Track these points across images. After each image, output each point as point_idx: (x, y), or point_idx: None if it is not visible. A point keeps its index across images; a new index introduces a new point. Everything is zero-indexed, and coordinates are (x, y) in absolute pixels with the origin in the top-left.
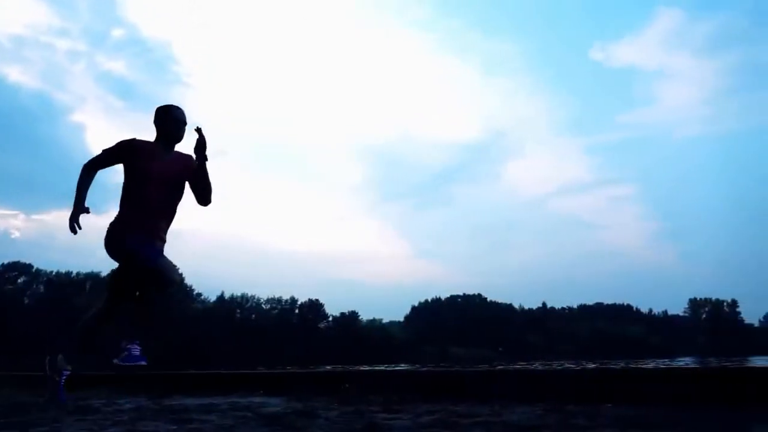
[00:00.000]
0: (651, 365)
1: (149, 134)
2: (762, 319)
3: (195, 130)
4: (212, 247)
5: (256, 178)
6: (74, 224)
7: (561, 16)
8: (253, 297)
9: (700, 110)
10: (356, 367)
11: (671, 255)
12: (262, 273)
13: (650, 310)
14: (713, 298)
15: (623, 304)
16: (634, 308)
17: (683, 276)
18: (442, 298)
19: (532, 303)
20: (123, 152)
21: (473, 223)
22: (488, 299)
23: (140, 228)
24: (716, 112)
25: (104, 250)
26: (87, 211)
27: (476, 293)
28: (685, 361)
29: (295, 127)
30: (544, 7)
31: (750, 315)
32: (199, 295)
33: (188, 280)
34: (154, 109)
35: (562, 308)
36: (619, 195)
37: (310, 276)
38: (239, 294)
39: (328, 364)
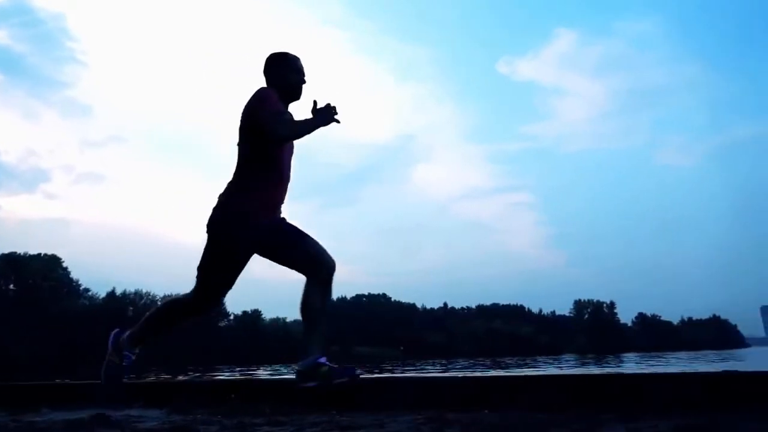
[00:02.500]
0: (527, 373)
1: (39, 118)
2: (634, 319)
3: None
4: (103, 237)
5: (156, 166)
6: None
7: (473, 28)
8: (148, 293)
9: (588, 127)
10: (249, 373)
11: (560, 259)
12: (159, 267)
13: (540, 311)
14: (595, 300)
15: (517, 304)
16: (526, 309)
17: (570, 278)
18: (348, 297)
19: (433, 303)
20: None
21: (380, 224)
22: (392, 299)
23: (274, 208)
24: (600, 130)
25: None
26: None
27: (381, 293)
28: (567, 359)
29: (200, 117)
30: (457, 18)
31: (624, 315)
32: (87, 290)
33: (74, 274)
34: (267, 57)
35: (462, 308)
36: (516, 201)
37: None
38: (132, 290)
39: (228, 365)
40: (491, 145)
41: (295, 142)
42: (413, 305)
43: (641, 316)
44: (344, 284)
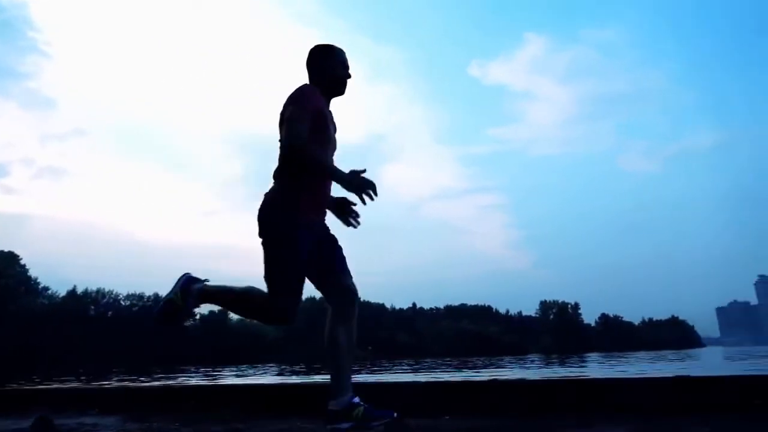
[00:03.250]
0: (487, 378)
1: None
2: (597, 320)
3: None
4: (64, 234)
5: (119, 161)
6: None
7: (446, 31)
8: (110, 292)
9: (556, 131)
10: (213, 375)
11: (528, 260)
12: (122, 266)
13: (507, 311)
14: (560, 301)
15: (485, 305)
16: (494, 309)
17: (536, 279)
18: (317, 297)
19: (403, 303)
20: (316, 100)
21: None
22: (361, 299)
23: (318, 209)
24: (567, 134)
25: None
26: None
27: None
28: (532, 359)
29: (167, 111)
30: (430, 20)
31: (588, 316)
32: (46, 288)
33: (33, 272)
34: (311, 49)
35: (431, 308)
36: (486, 203)
37: (177, 271)
38: (94, 288)
39: (194, 365)
40: (462, 147)
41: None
42: (382, 305)
43: (604, 317)
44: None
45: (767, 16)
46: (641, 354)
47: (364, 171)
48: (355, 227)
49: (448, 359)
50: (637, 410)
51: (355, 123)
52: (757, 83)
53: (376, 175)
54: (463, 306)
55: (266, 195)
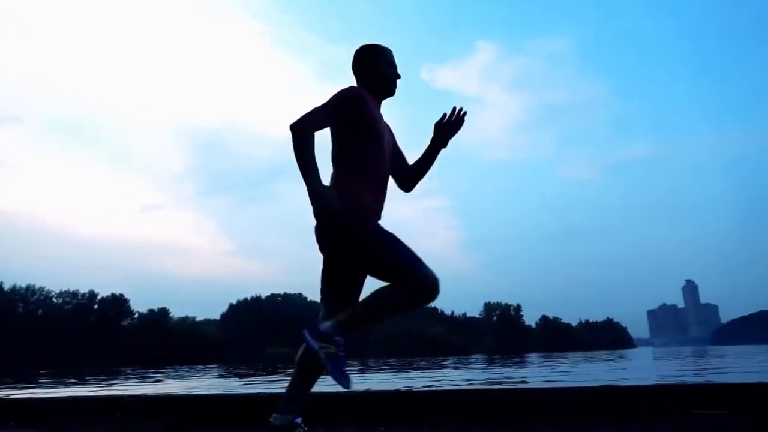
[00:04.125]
0: (421, 387)
1: None
2: (538, 321)
3: (459, 110)
4: None
5: (55, 150)
6: (326, 206)
7: (397, 32)
8: (41, 289)
9: (503, 138)
10: (153, 377)
11: (473, 262)
12: (55, 262)
13: (453, 312)
14: (503, 303)
15: (431, 306)
16: (440, 310)
17: (481, 281)
18: (263, 296)
19: None
20: (357, 103)
21: (299, 223)
22: (308, 299)
23: (377, 207)
24: (514, 141)
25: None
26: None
27: (297, 293)
28: (476, 359)
29: (107, 100)
30: (382, 21)
31: (529, 317)
32: None
33: None
34: (359, 49)
35: None
36: (434, 206)
37: (114, 268)
38: (23, 285)
39: (132, 366)
40: (411, 151)
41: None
42: None
43: (544, 319)
44: (259, 283)
45: (701, 36)
46: (578, 354)
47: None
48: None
49: (392, 360)
50: (566, 418)
51: None
52: (689, 99)
53: (328, 174)
54: None
55: (325, 210)
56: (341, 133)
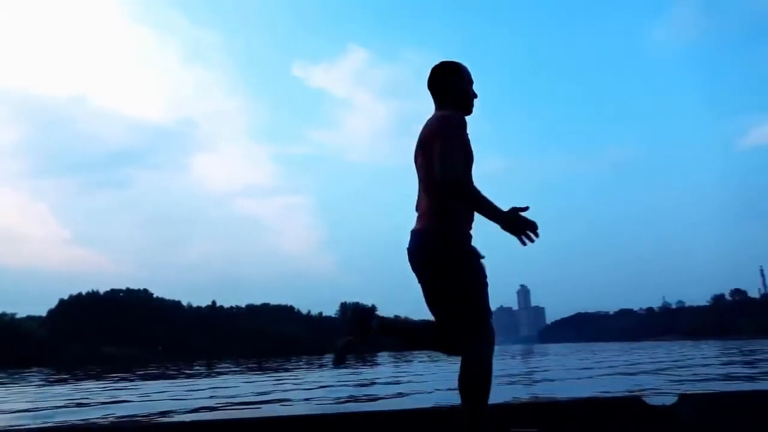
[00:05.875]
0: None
1: None
2: None
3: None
4: None
5: None
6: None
7: (272, 25)
8: None
9: (369, 142)
10: None
11: (331, 262)
12: None
13: (309, 312)
14: (359, 302)
15: (287, 305)
16: (296, 309)
17: (338, 281)
18: (101, 291)
19: (201, 301)
20: (466, 127)
21: (150, 213)
22: (155, 295)
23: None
24: (379, 146)
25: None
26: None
27: (142, 288)
28: (328, 359)
29: None
30: (256, 11)
31: None
32: None
33: None
34: (440, 66)
35: (231, 307)
36: (295, 203)
37: None
38: None
39: None
40: (277, 146)
41: None
42: (178, 303)
43: None
44: (99, 277)
45: (542, 60)
46: (426, 353)
47: (526, 209)
48: (523, 243)
49: (243, 361)
50: None
51: (164, 103)
52: (536, 121)
53: (185, 164)
54: (265, 306)
55: (422, 234)
56: None
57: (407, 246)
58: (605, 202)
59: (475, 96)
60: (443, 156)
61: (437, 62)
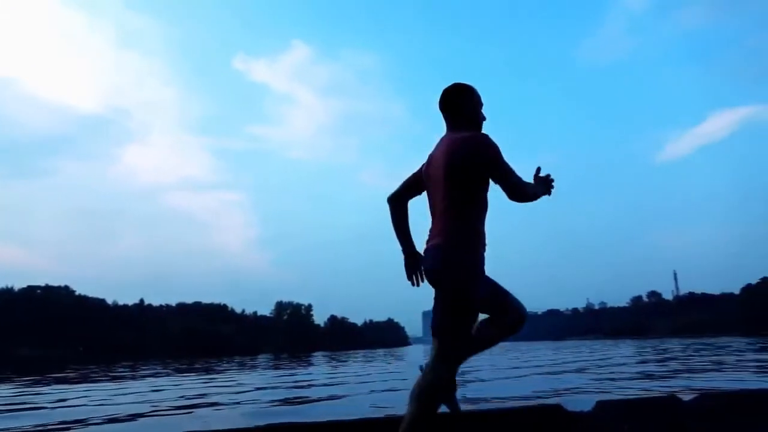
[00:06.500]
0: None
1: None
2: (327, 321)
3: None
4: None
5: None
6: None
7: (212, 14)
8: None
9: (308, 139)
10: None
11: (266, 260)
12: None
13: (243, 311)
14: (295, 302)
15: (220, 303)
16: (229, 308)
17: (274, 280)
18: (16, 288)
19: (128, 299)
20: None
21: (75, 205)
22: (77, 293)
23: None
24: (319, 144)
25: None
26: None
27: (63, 285)
28: (262, 359)
29: None
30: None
31: (319, 317)
32: None
33: None
34: (456, 88)
35: (161, 305)
36: (231, 199)
37: None
38: None
39: None
40: (215, 139)
41: None
42: (102, 301)
43: (333, 318)
44: (14, 272)
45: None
46: (360, 353)
47: (539, 170)
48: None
49: (172, 361)
50: None
51: (94, 90)
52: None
53: (115, 154)
54: (197, 304)
55: (440, 244)
56: (478, 179)
57: (425, 264)
58: (533, 207)
59: (484, 119)
60: (515, 185)
61: (450, 84)
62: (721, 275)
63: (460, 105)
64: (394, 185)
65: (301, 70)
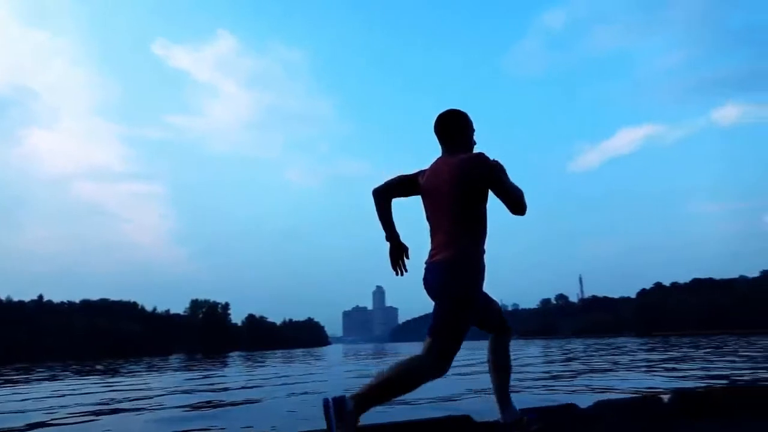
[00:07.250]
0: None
1: None
2: (244, 320)
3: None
4: None
5: None
6: None
7: None
8: None
9: (232, 132)
10: None
11: (182, 256)
12: None
13: (155, 309)
14: (211, 300)
15: (129, 301)
16: (140, 306)
17: (189, 277)
18: None
19: (25, 295)
20: None
21: None
22: None
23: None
24: (243, 138)
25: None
26: None
27: None
28: (174, 360)
29: None
30: None
31: (237, 316)
32: None
33: None
34: (454, 114)
35: (62, 302)
36: (146, 191)
37: None
38: None
39: None
40: (129, 127)
41: None
42: None
43: (251, 317)
44: None
45: (412, 77)
46: (278, 353)
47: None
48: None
49: (73, 362)
50: None
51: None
52: (398, 129)
53: (19, 137)
54: (104, 301)
55: (445, 259)
56: (480, 197)
57: (425, 277)
58: None
59: (475, 143)
60: (520, 195)
61: (445, 110)
62: (620, 280)
63: (459, 131)
64: (318, 184)
65: (225, 61)
